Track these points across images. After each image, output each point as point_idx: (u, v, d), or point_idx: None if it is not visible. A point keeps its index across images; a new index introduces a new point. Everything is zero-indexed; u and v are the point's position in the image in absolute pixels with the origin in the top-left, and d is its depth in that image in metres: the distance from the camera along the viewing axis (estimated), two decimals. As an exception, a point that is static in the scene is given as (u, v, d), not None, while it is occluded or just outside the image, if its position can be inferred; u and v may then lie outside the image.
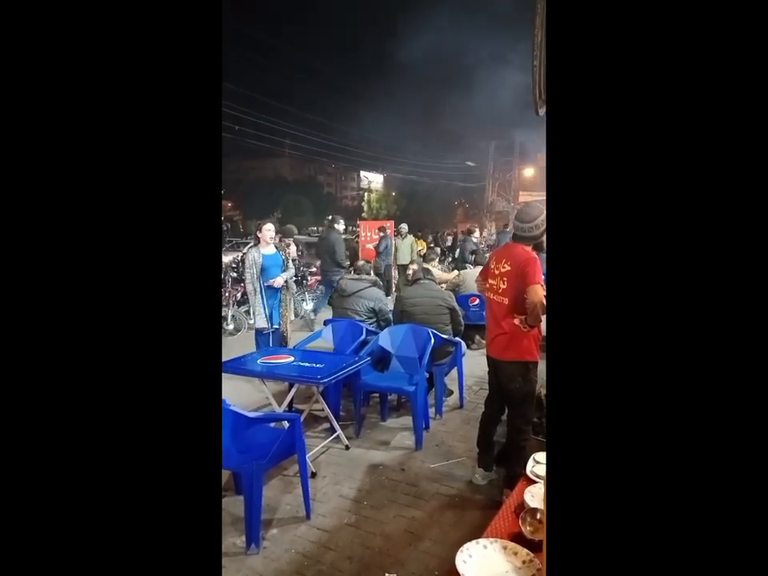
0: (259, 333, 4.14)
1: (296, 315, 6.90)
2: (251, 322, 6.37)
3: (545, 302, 2.29)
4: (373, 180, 48.98)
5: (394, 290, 7.95)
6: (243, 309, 6.53)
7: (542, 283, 2.30)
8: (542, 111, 1.89)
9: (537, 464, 1.63)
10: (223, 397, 2.17)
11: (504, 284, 2.41)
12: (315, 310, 7.06)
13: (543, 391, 2.98)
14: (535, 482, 1.53)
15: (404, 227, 9.74)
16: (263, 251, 4.09)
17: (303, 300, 7.73)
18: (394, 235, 9.51)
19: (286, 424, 2.54)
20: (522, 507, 1.41)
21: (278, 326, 4.21)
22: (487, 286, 2.56)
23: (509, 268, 2.39)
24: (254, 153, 32.49)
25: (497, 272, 2.47)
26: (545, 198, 0.86)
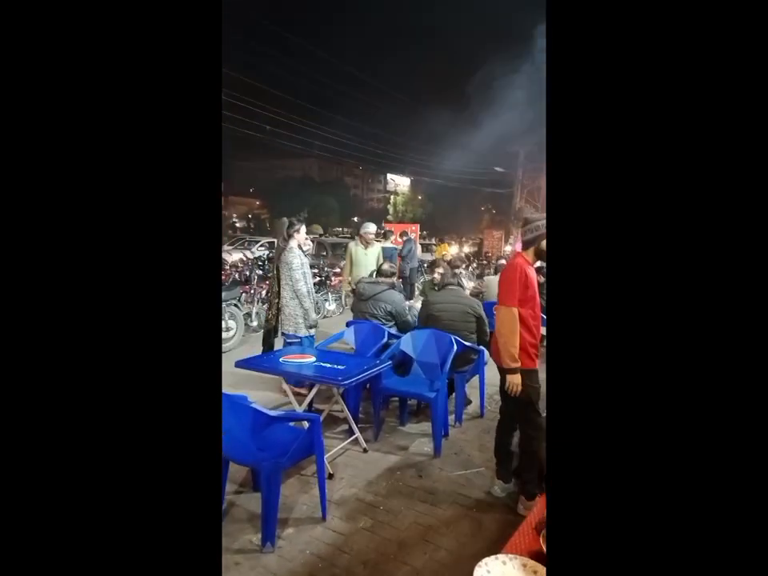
0: (301, 340, 3.93)
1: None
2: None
3: (511, 328, 2.29)
4: (399, 183, 48.96)
5: (417, 293, 7.95)
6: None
7: (515, 305, 2.30)
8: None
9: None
10: (245, 393, 2.20)
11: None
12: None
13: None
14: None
15: (371, 230, 5.86)
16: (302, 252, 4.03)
17: (326, 300, 7.82)
18: (363, 242, 5.83)
19: (305, 424, 2.55)
20: (542, 524, 1.37)
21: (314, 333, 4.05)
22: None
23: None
24: (284, 153, 33.00)
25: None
26: None
